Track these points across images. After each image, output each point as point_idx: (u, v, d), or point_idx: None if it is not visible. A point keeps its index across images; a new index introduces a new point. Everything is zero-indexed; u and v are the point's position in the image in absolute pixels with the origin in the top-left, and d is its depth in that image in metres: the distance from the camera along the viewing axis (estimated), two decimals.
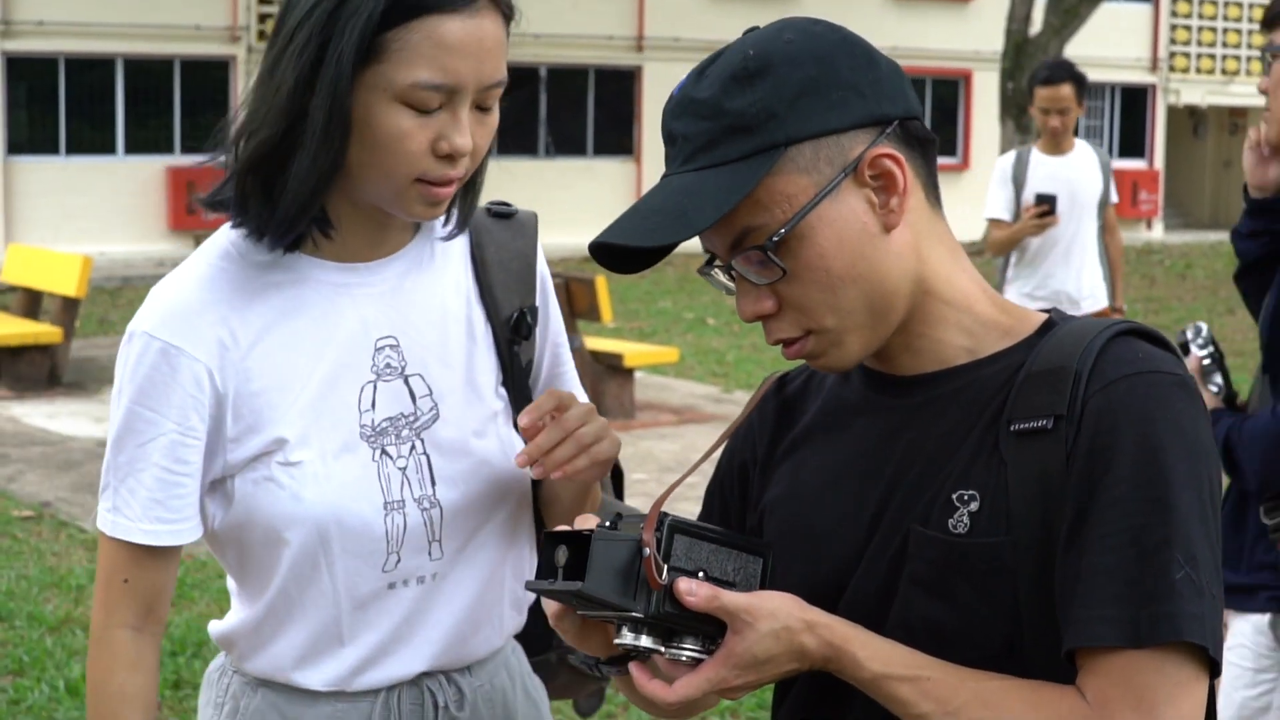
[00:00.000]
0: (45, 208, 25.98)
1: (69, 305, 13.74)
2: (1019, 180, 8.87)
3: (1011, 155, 9.09)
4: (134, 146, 27.35)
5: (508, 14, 2.23)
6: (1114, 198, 9.17)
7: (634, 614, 1.77)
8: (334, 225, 2.29)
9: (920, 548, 1.84)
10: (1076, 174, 8.91)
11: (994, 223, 9.06)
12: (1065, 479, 1.77)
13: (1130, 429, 1.76)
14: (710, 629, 1.79)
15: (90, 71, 27.01)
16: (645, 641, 1.79)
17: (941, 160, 35.05)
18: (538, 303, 2.48)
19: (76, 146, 26.95)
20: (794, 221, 1.80)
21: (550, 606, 1.87)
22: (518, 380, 2.43)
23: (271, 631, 2.35)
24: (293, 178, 2.20)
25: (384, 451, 2.29)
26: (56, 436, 11.55)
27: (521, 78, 30.02)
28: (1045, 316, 1.92)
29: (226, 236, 2.33)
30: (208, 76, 27.63)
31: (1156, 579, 1.72)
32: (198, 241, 12.98)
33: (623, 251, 1.88)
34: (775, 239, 1.81)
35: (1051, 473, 1.78)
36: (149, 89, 27.46)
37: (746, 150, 1.79)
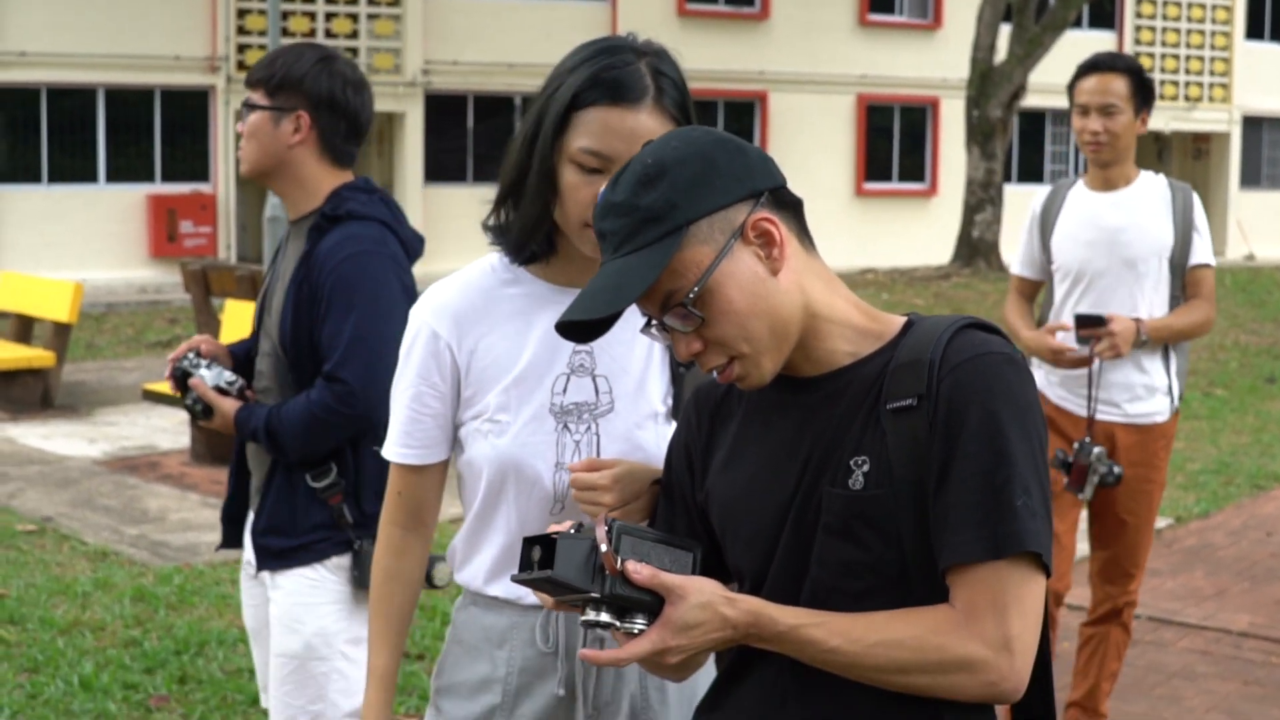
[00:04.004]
0: (28, 236, 26.33)
1: (60, 330, 14.17)
2: (1047, 222, 6.22)
3: (1048, 190, 6.37)
4: (115, 175, 27.66)
5: (676, 116, 2.93)
6: (1200, 257, 6.04)
7: (593, 594, 2.31)
8: (556, 252, 3.06)
9: (830, 503, 2.42)
10: (1127, 219, 6.03)
11: (1017, 280, 6.44)
12: (930, 442, 2.35)
13: (974, 399, 2.34)
14: (654, 607, 2.33)
15: (72, 101, 27.33)
16: (604, 617, 2.33)
17: (910, 186, 35.38)
18: None
19: (58, 175, 27.24)
20: (702, 280, 2.36)
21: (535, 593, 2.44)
22: (680, 395, 3.09)
23: (472, 546, 3.16)
24: (520, 213, 3.02)
25: (566, 426, 3.05)
26: (53, 456, 11.98)
27: (497, 106, 30.49)
28: (905, 319, 2.52)
29: (492, 256, 3.15)
30: (187, 106, 27.95)
31: (1004, 507, 2.31)
32: (183, 268, 13.28)
33: (580, 325, 2.43)
34: (691, 295, 2.37)
35: (919, 438, 2.36)
36: (130, 118, 27.76)
37: (659, 234, 2.37)
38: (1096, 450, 5.86)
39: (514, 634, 3.11)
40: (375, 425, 4.18)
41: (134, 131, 27.84)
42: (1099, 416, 5.98)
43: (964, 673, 2.30)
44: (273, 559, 4.33)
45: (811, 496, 2.44)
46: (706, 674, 2.76)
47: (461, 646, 3.18)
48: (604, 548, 2.30)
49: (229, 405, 4.33)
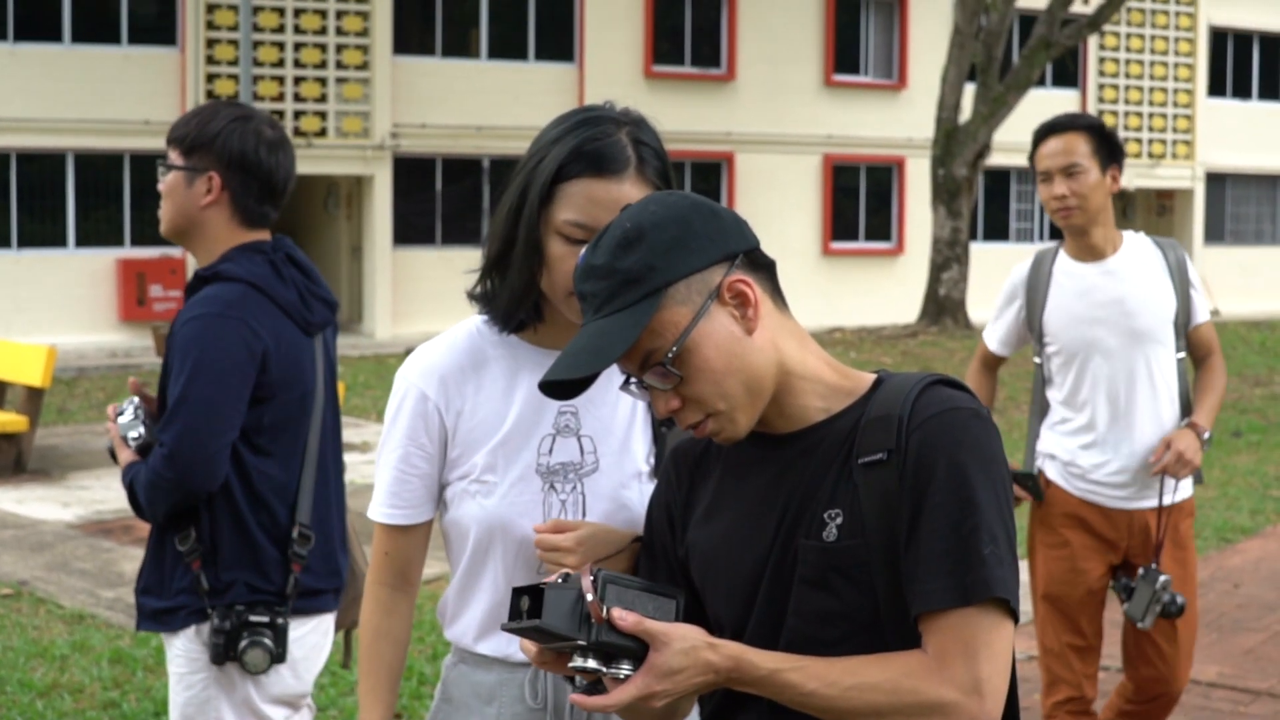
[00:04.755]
0: None
1: (33, 395, 14.19)
2: (1035, 299, 5.79)
3: (1026, 264, 5.92)
4: (85, 239, 27.67)
5: (658, 184, 2.98)
6: (1202, 314, 5.74)
7: (580, 642, 2.39)
8: (544, 319, 3.11)
9: (805, 554, 2.51)
10: (1125, 287, 5.65)
11: (986, 352, 6.11)
12: (900, 494, 2.44)
13: (942, 453, 2.43)
14: (639, 653, 2.41)
15: (41, 166, 27.38)
16: (591, 663, 2.40)
17: (876, 245, 35.55)
18: None
19: (28, 240, 27.26)
20: (680, 340, 2.45)
21: (524, 642, 2.50)
22: (662, 454, 3.14)
23: (462, 602, 3.20)
24: (508, 284, 3.07)
25: (552, 486, 3.10)
26: (27, 520, 12.00)
27: (465, 168, 30.61)
28: (875, 376, 2.61)
29: (477, 318, 3.20)
30: (156, 170, 27.88)
31: (972, 555, 2.39)
32: (154, 331, 13.51)
33: (562, 383, 2.52)
34: (670, 355, 2.46)
35: (890, 491, 2.45)
36: (99, 183, 27.83)
37: (638, 296, 2.46)
38: (1163, 579, 5.53)
39: (503, 690, 3.15)
40: (191, 491, 4.15)
41: (103, 196, 27.88)
42: (1130, 505, 5.67)
43: (937, 715, 2.38)
44: (146, 619, 4.33)
45: (788, 549, 2.53)
46: None
47: (451, 704, 3.22)
48: (590, 596, 2.38)
49: (122, 458, 4.29)
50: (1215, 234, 40.02)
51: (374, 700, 3.24)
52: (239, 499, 4.24)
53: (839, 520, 2.49)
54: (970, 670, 2.38)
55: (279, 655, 4.25)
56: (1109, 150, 5.60)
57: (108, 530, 11.59)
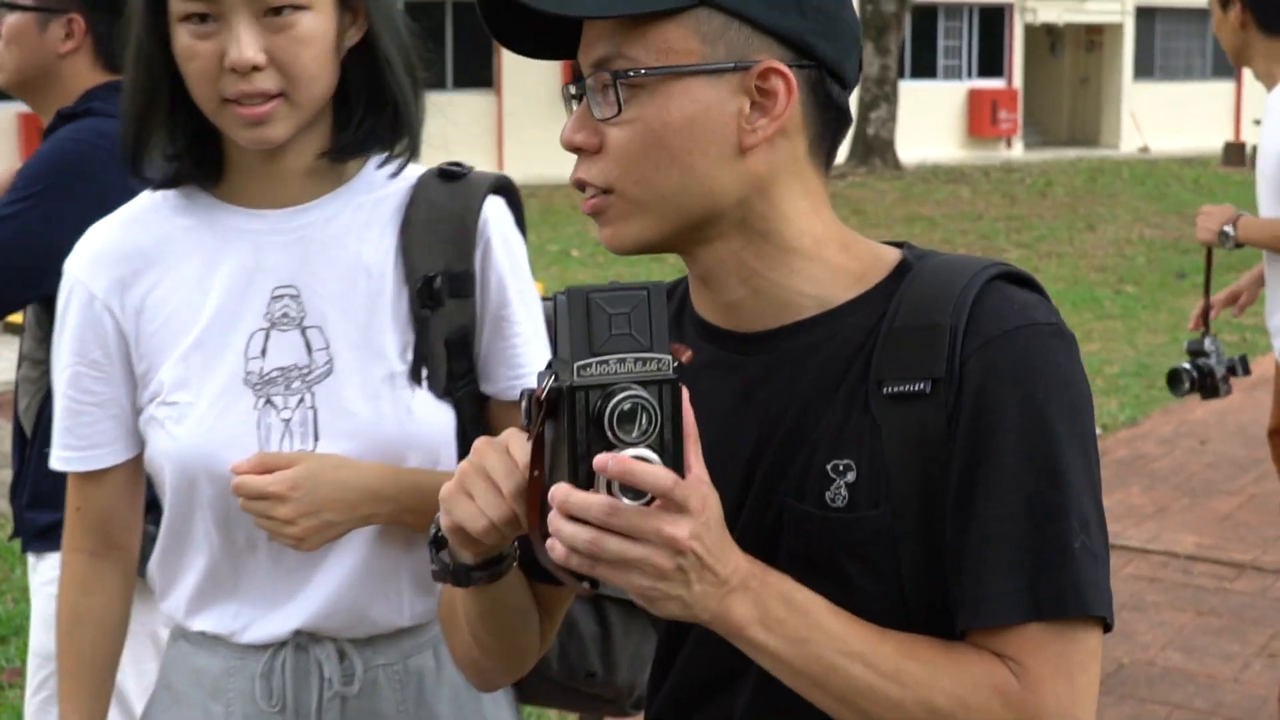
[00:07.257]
0: None
1: None
2: None
3: None
4: None
5: None
6: None
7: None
8: (231, 165, 2.32)
9: (797, 523, 1.70)
10: (1266, 128, 5.22)
11: None
12: (948, 443, 1.64)
13: (1014, 389, 1.63)
14: None
15: None
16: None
17: None
18: (474, 269, 2.37)
19: None
20: (660, 71, 1.66)
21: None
22: (428, 346, 2.33)
23: (171, 568, 2.40)
24: (152, 116, 2.28)
25: (269, 401, 2.27)
26: None
27: None
28: (898, 256, 1.78)
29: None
30: None
31: (1055, 550, 1.61)
32: None
33: (508, 18, 1.72)
34: (631, 73, 1.66)
35: (931, 437, 1.64)
36: None
37: None
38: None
39: (230, 683, 2.39)
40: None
41: None
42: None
43: None
44: (38, 538, 3.59)
45: (767, 509, 1.72)
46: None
47: (171, 693, 2.46)
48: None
49: None
50: (1145, 70, 39.74)
51: (73, 709, 2.46)
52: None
53: (850, 476, 1.67)
54: (1063, 706, 1.61)
55: None
56: None
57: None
